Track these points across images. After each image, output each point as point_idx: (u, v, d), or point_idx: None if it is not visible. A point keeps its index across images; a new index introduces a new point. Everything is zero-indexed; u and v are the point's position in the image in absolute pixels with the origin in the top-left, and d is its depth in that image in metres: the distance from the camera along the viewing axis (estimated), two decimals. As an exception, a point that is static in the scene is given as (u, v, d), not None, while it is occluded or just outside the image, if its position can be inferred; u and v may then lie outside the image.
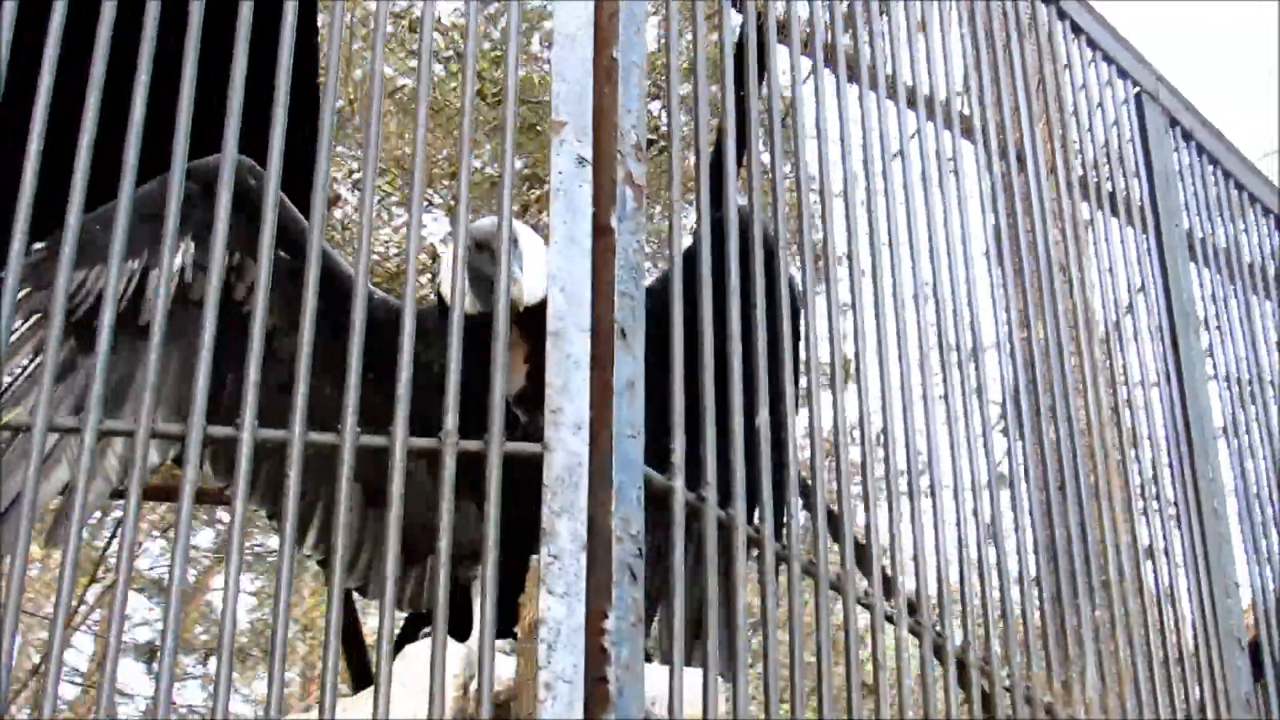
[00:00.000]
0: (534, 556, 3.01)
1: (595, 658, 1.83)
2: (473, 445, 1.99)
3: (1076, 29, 3.59)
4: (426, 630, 2.95)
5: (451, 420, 1.98)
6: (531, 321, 2.61)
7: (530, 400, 2.85)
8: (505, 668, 2.68)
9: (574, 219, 2.16)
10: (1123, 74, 3.69)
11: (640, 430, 2.03)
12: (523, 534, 1.99)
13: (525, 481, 1.98)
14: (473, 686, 2.74)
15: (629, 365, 2.06)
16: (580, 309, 2.08)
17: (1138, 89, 3.72)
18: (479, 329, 2.21)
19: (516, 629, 2.38)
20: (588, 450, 1.97)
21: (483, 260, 2.79)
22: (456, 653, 2.76)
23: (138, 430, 1.96)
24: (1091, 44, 3.62)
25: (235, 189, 2.14)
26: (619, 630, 1.85)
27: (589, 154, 2.22)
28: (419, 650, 2.74)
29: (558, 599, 1.86)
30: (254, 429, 1.96)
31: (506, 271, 2.11)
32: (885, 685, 2.24)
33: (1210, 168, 3.82)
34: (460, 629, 2.92)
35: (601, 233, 2.16)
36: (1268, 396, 3.64)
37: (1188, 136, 3.80)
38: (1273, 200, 3.99)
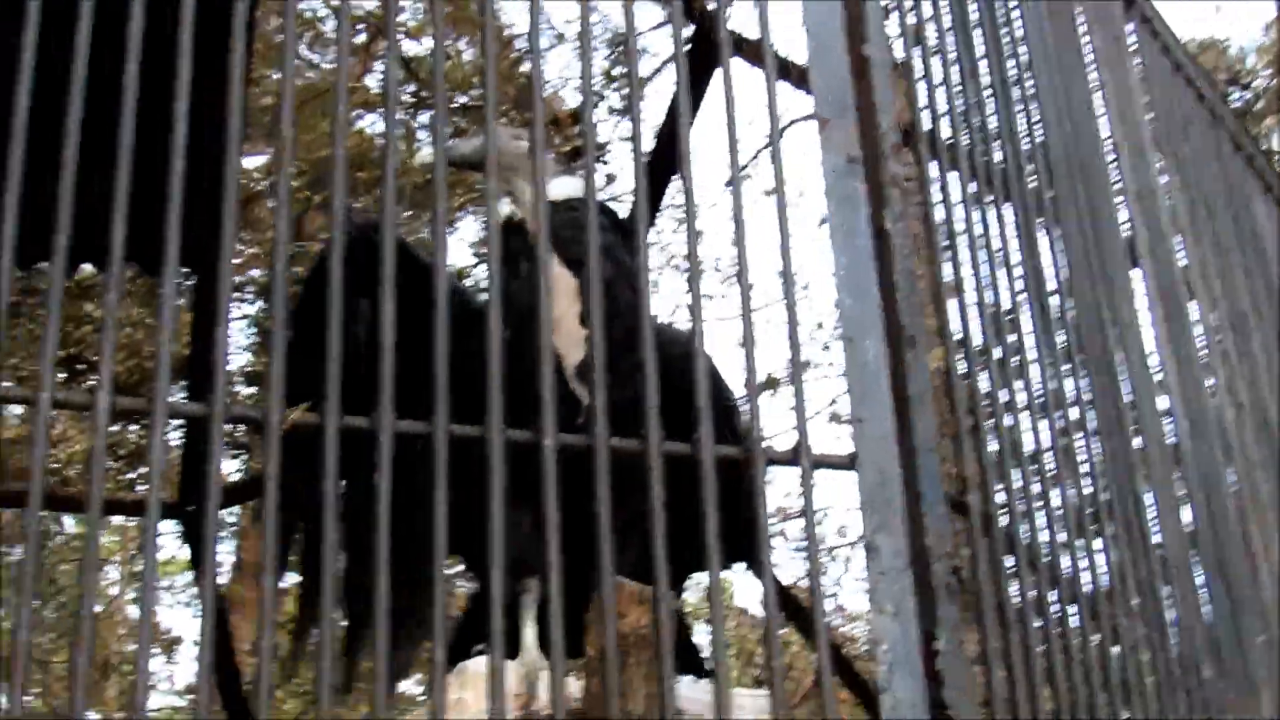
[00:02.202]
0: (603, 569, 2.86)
1: (932, 682, 1.76)
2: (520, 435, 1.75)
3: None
4: (479, 647, 2.77)
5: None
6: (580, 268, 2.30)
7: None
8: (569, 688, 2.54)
9: (853, 219, 2.08)
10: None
11: (934, 443, 1.97)
12: (584, 542, 1.78)
13: (584, 482, 1.77)
14: (536, 704, 2.62)
15: (920, 374, 1.99)
16: (873, 313, 2.00)
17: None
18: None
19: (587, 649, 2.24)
20: (897, 463, 1.90)
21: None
22: (512, 670, 2.62)
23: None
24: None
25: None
26: (949, 652, 1.79)
27: (858, 152, 2.14)
28: (477, 667, 2.60)
29: (890, 619, 1.78)
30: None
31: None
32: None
33: None
34: (510, 645, 2.75)
35: (879, 235, 2.08)
36: None
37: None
38: None
